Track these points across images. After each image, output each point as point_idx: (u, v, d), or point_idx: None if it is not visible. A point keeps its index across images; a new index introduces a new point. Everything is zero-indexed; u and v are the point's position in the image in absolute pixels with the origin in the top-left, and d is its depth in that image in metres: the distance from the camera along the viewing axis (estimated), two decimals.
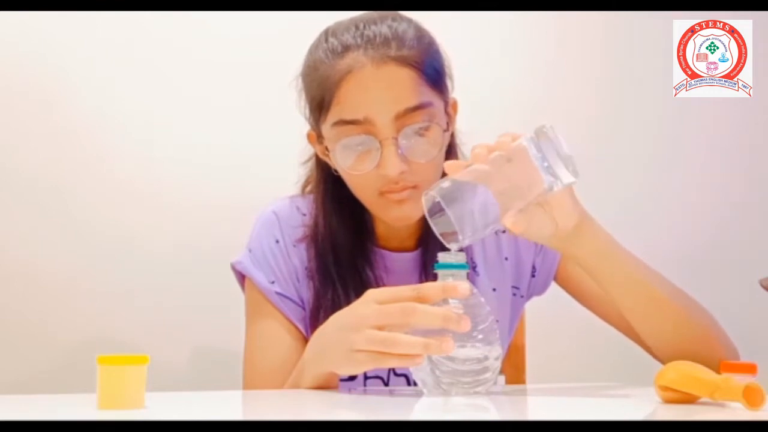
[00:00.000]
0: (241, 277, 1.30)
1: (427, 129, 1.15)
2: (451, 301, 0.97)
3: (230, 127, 1.84)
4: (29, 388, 1.65)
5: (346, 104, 1.14)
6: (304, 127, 1.33)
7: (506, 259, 1.31)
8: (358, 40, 1.14)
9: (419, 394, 0.99)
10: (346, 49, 1.14)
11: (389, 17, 1.18)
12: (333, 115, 1.16)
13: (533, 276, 1.32)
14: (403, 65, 1.13)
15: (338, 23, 1.20)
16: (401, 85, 1.13)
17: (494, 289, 1.30)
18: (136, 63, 1.81)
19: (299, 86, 1.23)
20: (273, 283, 1.25)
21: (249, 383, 1.25)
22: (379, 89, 1.13)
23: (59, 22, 1.75)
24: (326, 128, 1.18)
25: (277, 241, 1.27)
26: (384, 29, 1.15)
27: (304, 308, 1.25)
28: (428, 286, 0.96)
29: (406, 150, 1.14)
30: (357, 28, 1.16)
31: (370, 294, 0.98)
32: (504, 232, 1.31)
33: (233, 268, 1.30)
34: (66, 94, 1.76)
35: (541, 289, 1.35)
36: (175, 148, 1.81)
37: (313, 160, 1.31)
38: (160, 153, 1.80)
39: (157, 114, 1.81)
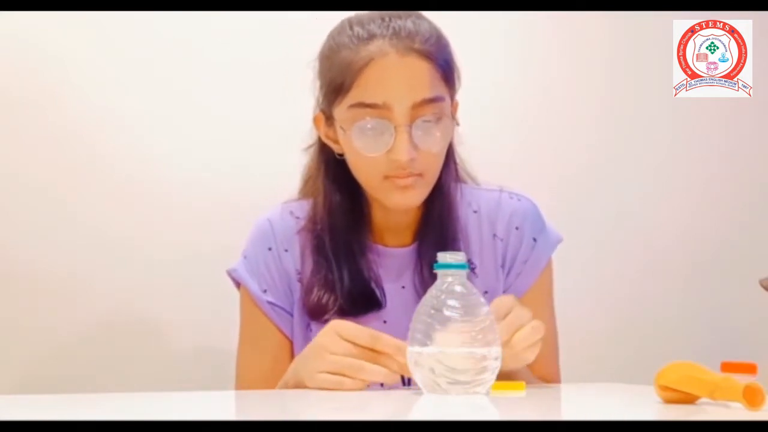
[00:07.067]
0: (237, 283, 1.35)
1: (438, 121, 1.22)
2: (449, 300, 0.97)
3: (230, 128, 1.83)
4: (29, 388, 1.65)
5: (367, 88, 1.20)
6: (305, 126, 1.33)
7: (502, 266, 1.33)
8: (384, 30, 1.21)
9: (419, 394, 0.99)
10: (372, 36, 1.21)
11: (413, 15, 1.25)
12: (351, 98, 1.21)
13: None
14: (423, 58, 1.21)
15: (361, 14, 1.26)
16: (420, 77, 1.21)
17: (486, 292, 1.31)
18: (137, 63, 1.80)
19: (315, 68, 1.29)
20: (265, 291, 1.31)
21: (239, 389, 1.33)
22: (399, 78, 1.20)
23: (59, 22, 1.75)
24: (341, 110, 1.23)
25: (270, 249, 1.32)
26: (409, 24, 1.22)
27: (292, 315, 1.31)
28: (386, 341, 1.07)
29: (418, 139, 1.20)
30: (383, 20, 1.22)
31: (333, 326, 1.11)
32: (502, 239, 1.32)
33: (229, 274, 1.35)
34: (66, 94, 1.76)
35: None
36: (175, 148, 1.81)
37: (317, 145, 1.34)
38: (160, 153, 1.80)
39: (157, 114, 1.81)
